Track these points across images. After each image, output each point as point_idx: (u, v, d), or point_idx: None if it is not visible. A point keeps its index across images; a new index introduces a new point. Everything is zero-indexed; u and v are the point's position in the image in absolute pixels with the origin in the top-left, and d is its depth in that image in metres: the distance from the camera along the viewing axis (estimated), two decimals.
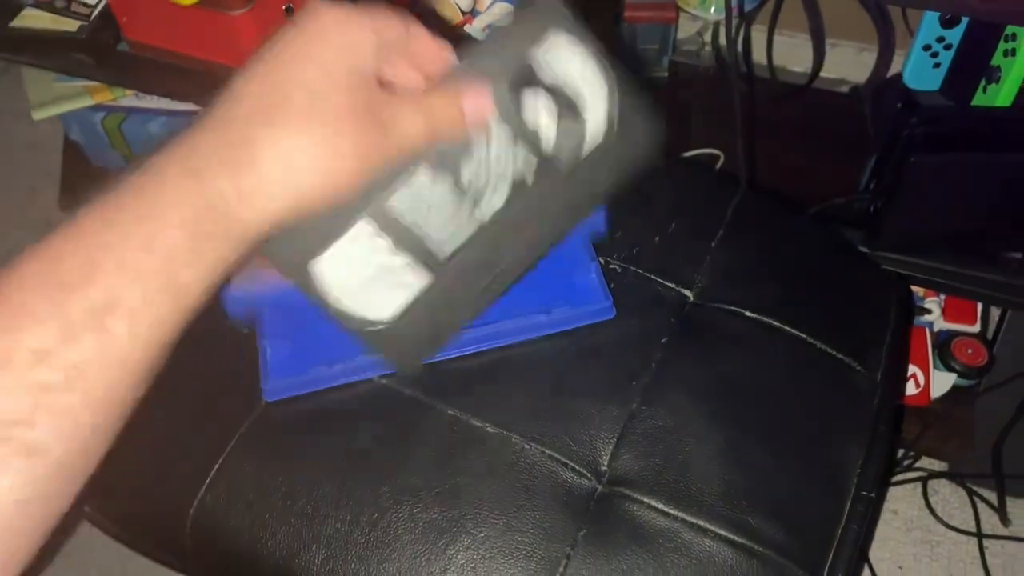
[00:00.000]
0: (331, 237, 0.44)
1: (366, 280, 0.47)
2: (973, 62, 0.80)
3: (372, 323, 0.48)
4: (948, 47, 0.81)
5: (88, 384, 0.31)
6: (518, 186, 0.48)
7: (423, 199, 0.45)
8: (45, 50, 1.07)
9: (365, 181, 0.38)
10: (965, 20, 0.79)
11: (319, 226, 0.44)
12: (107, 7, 1.03)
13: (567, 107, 0.47)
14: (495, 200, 0.48)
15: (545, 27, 0.46)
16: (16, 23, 1.04)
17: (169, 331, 0.34)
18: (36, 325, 0.31)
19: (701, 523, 0.55)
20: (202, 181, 0.34)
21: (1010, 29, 0.75)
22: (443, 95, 0.42)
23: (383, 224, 0.45)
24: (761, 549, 0.55)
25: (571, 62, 0.47)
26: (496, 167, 0.46)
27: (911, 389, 1.00)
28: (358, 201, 0.44)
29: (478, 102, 0.43)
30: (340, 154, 0.36)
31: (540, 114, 0.47)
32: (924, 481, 1.09)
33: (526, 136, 0.47)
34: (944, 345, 1.02)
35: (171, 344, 0.35)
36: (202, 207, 0.34)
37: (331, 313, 0.47)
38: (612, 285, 0.63)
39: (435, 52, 0.42)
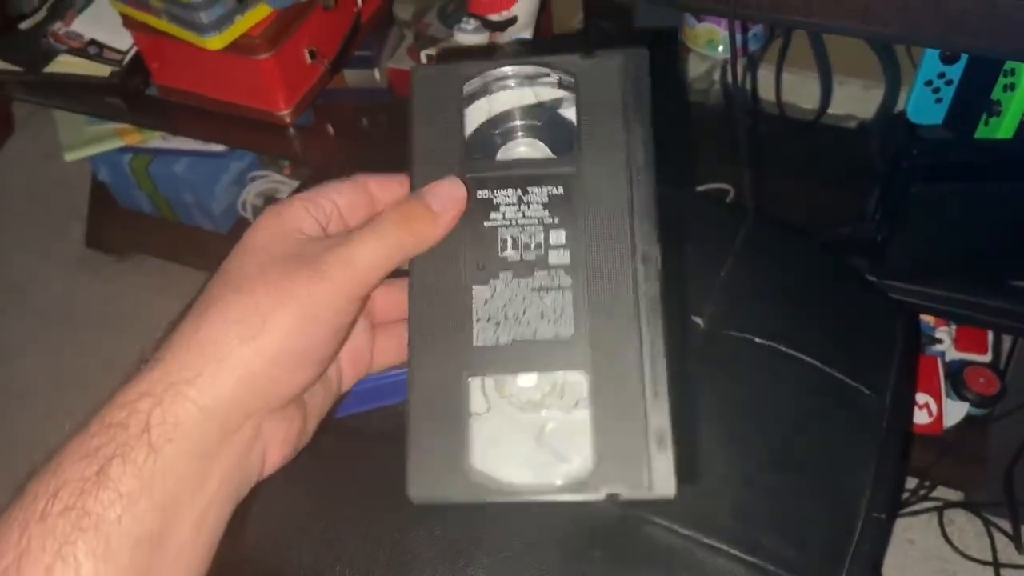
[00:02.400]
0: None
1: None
2: (974, 96, 0.82)
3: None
4: (949, 83, 0.84)
5: None
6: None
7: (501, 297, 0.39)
8: (78, 94, 1.12)
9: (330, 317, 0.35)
10: (965, 56, 0.81)
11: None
12: (138, 54, 1.07)
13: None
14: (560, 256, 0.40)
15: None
16: (50, 68, 1.09)
17: (129, 546, 0.31)
18: None
19: (714, 543, 0.57)
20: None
21: (1009, 64, 0.78)
22: (395, 206, 0.38)
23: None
24: (773, 568, 0.56)
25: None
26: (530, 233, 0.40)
27: (924, 418, 1.01)
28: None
29: (439, 186, 0.39)
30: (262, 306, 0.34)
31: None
32: (940, 511, 1.09)
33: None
34: (956, 374, 1.03)
35: (159, 541, 0.32)
36: (103, 428, 0.32)
37: None
38: None
39: (392, 188, 0.40)
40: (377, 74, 1.16)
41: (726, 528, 0.57)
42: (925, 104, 0.86)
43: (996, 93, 0.80)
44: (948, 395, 1.02)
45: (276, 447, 0.37)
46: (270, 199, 1.33)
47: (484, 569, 0.56)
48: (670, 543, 0.57)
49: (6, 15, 1.17)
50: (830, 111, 1.16)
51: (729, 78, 1.12)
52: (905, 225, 0.79)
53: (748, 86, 1.13)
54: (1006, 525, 1.06)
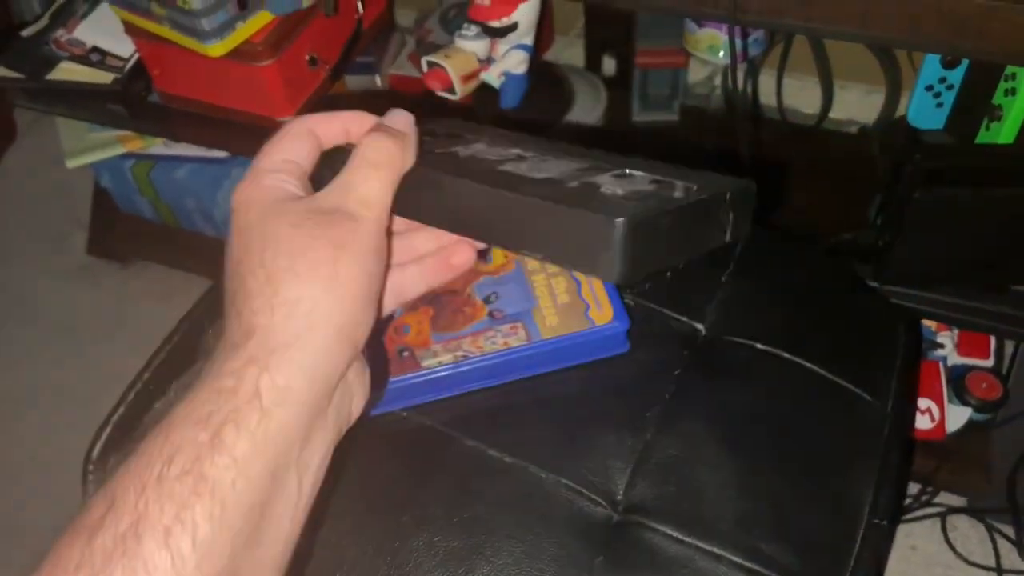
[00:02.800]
0: None
1: None
2: (975, 101, 0.82)
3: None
4: (950, 87, 0.84)
5: None
6: None
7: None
8: (80, 101, 1.12)
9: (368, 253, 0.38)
10: (965, 61, 0.82)
11: None
12: (139, 60, 1.07)
13: None
14: None
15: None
16: (52, 75, 1.09)
17: (243, 509, 0.32)
18: None
19: (715, 550, 0.57)
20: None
21: (1010, 69, 0.78)
22: (370, 139, 0.41)
23: None
24: (774, 575, 0.56)
25: None
26: None
27: (926, 424, 1.01)
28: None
29: (391, 117, 0.43)
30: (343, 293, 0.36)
31: None
32: (943, 517, 1.08)
33: None
34: (958, 379, 1.03)
35: (270, 502, 0.34)
36: (213, 395, 0.34)
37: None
38: None
39: (355, 120, 0.43)
40: (379, 80, 1.16)
41: (727, 535, 0.57)
42: (926, 109, 0.86)
43: (997, 98, 0.80)
44: (950, 400, 1.02)
45: (360, 395, 0.40)
46: None
47: None
48: (670, 550, 0.57)
49: (8, 22, 1.18)
50: (831, 116, 1.16)
51: (730, 83, 1.12)
52: (907, 230, 0.79)
53: (749, 91, 1.13)
54: (1009, 531, 1.06)
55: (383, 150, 0.40)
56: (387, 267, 0.40)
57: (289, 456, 0.34)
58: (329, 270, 0.35)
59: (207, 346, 0.36)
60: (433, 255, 0.48)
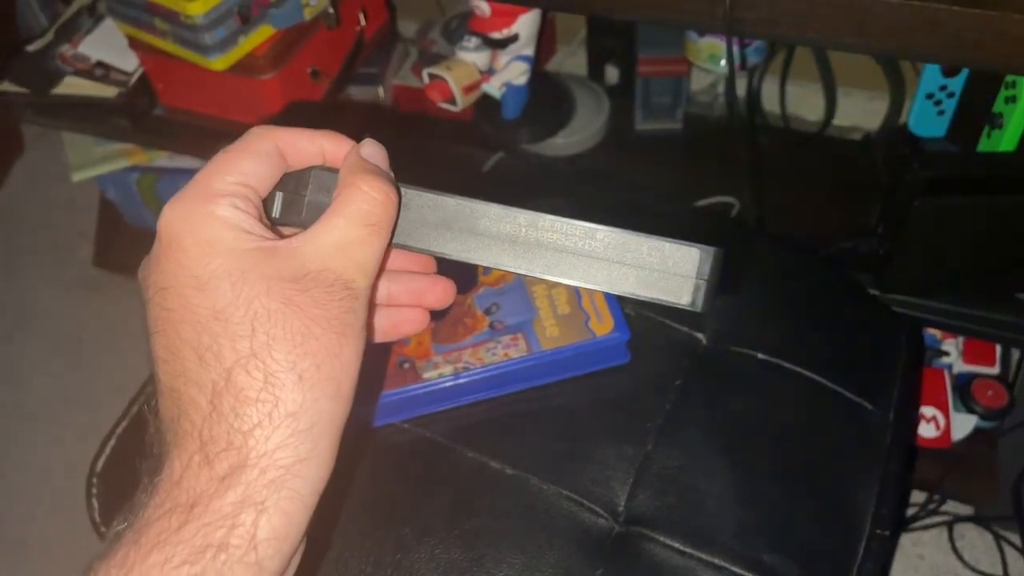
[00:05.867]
0: None
1: None
2: (976, 109, 0.82)
3: None
4: (951, 95, 0.84)
5: None
6: None
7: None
8: (85, 115, 1.13)
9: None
10: (966, 69, 0.82)
11: None
12: (144, 75, 1.08)
13: None
14: None
15: None
16: (58, 90, 1.10)
17: None
18: None
19: (716, 561, 0.56)
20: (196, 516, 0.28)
21: (1010, 77, 0.78)
22: (354, 188, 0.33)
23: None
24: None
25: None
26: None
27: (931, 432, 1.00)
28: None
29: (363, 147, 0.36)
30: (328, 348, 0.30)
31: None
32: (950, 525, 1.08)
33: None
34: (964, 387, 1.02)
35: None
36: (197, 552, 0.28)
37: None
38: None
39: (332, 142, 0.36)
40: (381, 91, 1.16)
41: (728, 546, 0.57)
42: (927, 117, 0.86)
43: (998, 106, 0.80)
44: (956, 408, 1.02)
45: None
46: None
47: None
48: (672, 561, 0.57)
49: (14, 37, 1.19)
50: (835, 123, 1.16)
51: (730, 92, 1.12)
52: (908, 239, 0.78)
53: (751, 99, 1.13)
54: (1016, 539, 1.05)
55: (382, 204, 0.33)
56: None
57: None
58: (334, 365, 0.30)
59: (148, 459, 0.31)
60: (405, 300, 0.40)
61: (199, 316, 0.29)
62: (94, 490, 0.66)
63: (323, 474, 0.30)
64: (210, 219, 0.31)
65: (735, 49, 1.01)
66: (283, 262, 0.30)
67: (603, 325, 0.63)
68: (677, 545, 0.57)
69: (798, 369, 0.66)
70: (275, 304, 0.29)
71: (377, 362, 0.62)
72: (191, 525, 0.27)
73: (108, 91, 1.09)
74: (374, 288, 0.34)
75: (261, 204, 0.34)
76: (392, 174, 0.36)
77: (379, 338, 0.39)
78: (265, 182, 0.34)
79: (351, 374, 0.31)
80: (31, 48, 1.13)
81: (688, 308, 0.38)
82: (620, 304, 0.65)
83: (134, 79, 1.09)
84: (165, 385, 0.30)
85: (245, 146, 0.34)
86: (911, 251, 0.79)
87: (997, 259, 0.81)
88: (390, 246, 0.35)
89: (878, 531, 0.59)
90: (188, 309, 0.30)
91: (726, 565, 0.56)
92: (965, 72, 0.82)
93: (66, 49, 1.11)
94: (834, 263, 0.88)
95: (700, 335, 0.68)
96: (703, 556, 0.57)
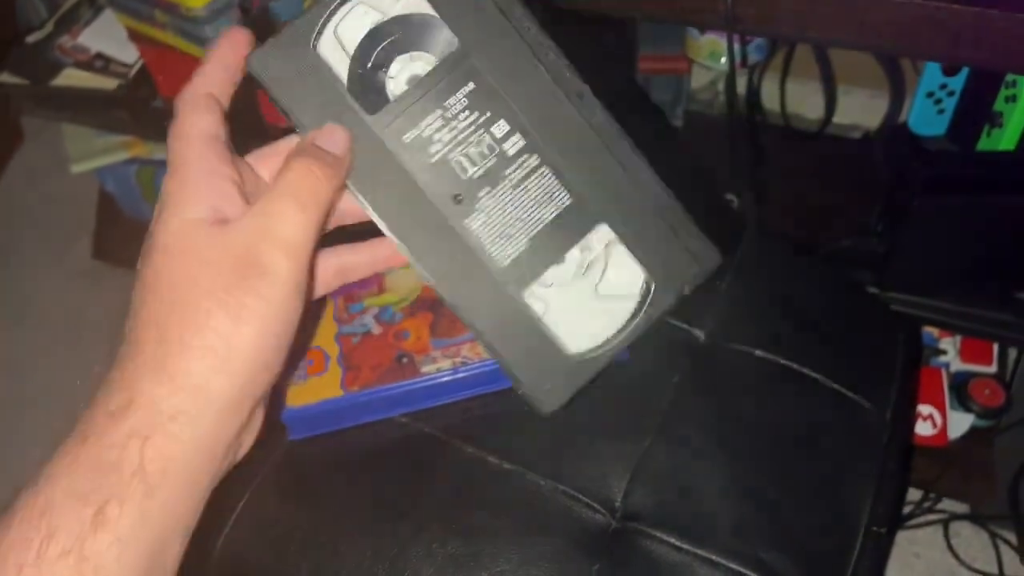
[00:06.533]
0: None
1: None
2: (976, 108, 0.82)
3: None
4: (951, 94, 0.84)
5: None
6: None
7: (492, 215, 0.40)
8: (84, 107, 1.12)
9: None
10: (966, 67, 0.81)
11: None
12: (144, 67, 1.08)
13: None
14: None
15: None
16: (57, 82, 1.10)
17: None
18: None
19: (713, 557, 0.57)
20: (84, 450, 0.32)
21: (1010, 76, 0.78)
22: (292, 166, 0.36)
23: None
24: None
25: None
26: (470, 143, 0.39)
27: (928, 430, 1.01)
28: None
29: (331, 133, 0.37)
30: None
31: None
32: (946, 523, 1.08)
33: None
34: (961, 386, 1.02)
35: (153, 569, 0.32)
36: (95, 468, 0.32)
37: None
38: None
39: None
40: None
41: (725, 543, 0.57)
42: (927, 115, 0.86)
43: (998, 104, 0.80)
44: (953, 406, 1.02)
45: (250, 436, 0.37)
46: None
47: None
48: (668, 557, 0.57)
49: (14, 29, 1.18)
50: (835, 121, 1.16)
51: (730, 90, 1.12)
52: (907, 237, 0.79)
53: (751, 97, 1.13)
54: (1012, 537, 1.06)
55: (311, 182, 0.35)
56: (306, 312, 0.36)
57: (174, 527, 0.33)
58: (223, 346, 0.33)
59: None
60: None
61: (140, 277, 0.35)
62: None
63: (207, 430, 0.33)
64: (182, 185, 0.35)
65: (736, 47, 1.01)
66: (213, 240, 0.34)
67: None
68: (674, 541, 0.57)
69: (796, 367, 0.66)
70: (184, 282, 0.33)
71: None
72: (92, 447, 0.32)
73: (108, 83, 1.09)
74: (313, 263, 0.36)
75: (229, 148, 0.36)
76: (342, 156, 0.37)
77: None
78: (222, 126, 0.37)
79: (244, 352, 0.33)
80: (30, 39, 1.13)
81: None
82: None
83: (134, 71, 1.08)
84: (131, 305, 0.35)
85: (186, 105, 0.37)
86: (911, 249, 0.80)
87: (996, 258, 0.81)
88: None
89: (875, 528, 0.59)
90: (139, 270, 0.35)
91: (723, 561, 0.56)
92: (965, 71, 0.82)
93: (66, 40, 1.11)
94: (833, 261, 0.88)
95: (698, 332, 0.68)
96: (700, 552, 0.57)
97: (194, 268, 0.33)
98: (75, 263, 1.51)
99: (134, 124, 1.13)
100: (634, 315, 0.40)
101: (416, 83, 0.39)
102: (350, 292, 0.67)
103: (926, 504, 1.08)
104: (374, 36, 0.39)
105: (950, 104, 0.85)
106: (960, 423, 1.02)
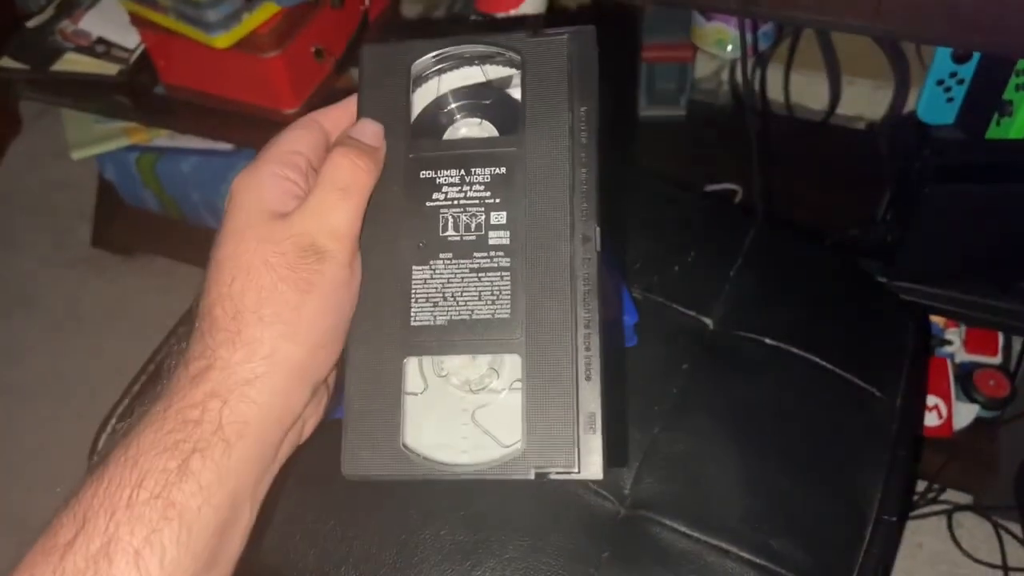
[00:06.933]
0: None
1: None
2: (986, 96, 0.81)
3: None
4: (961, 82, 0.83)
5: None
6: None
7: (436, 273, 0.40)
8: (85, 93, 1.11)
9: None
10: (977, 56, 0.81)
11: None
12: (145, 52, 1.07)
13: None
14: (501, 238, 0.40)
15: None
16: (57, 67, 1.09)
17: (206, 534, 0.34)
18: None
19: (723, 545, 0.56)
20: (174, 409, 0.35)
21: (1021, 64, 0.77)
22: (336, 159, 0.39)
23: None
24: (783, 571, 0.56)
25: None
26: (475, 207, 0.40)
27: (933, 420, 1.00)
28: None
29: (357, 129, 0.41)
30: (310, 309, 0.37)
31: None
32: (949, 514, 1.08)
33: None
34: (966, 376, 1.02)
35: (228, 528, 0.35)
36: (179, 425, 0.35)
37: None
38: None
39: (339, 117, 0.42)
40: None
41: (735, 530, 0.57)
42: (936, 104, 0.85)
43: (1008, 93, 0.79)
44: (958, 397, 1.02)
45: (313, 419, 0.40)
46: None
47: (491, 571, 0.55)
48: (679, 545, 0.56)
49: (14, 13, 1.17)
50: (839, 111, 1.16)
51: (739, 77, 1.12)
52: (916, 226, 0.78)
53: (760, 85, 1.12)
54: (1016, 528, 1.05)
55: (349, 170, 0.39)
56: (357, 275, 0.39)
57: (247, 486, 0.36)
58: (292, 315, 0.36)
59: (169, 366, 0.36)
60: None
61: (215, 258, 0.38)
62: None
63: (278, 398, 0.36)
64: (249, 184, 0.39)
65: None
66: (276, 228, 0.38)
67: None
68: (683, 529, 0.57)
69: (806, 355, 0.65)
70: (256, 261, 0.37)
71: None
72: (175, 406, 0.35)
73: (109, 68, 1.08)
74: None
75: (308, 165, 0.40)
76: (378, 147, 0.41)
77: None
78: (310, 148, 0.41)
79: (311, 326, 0.37)
80: (31, 24, 1.12)
81: None
82: (628, 287, 0.65)
83: (135, 56, 1.07)
84: (203, 296, 0.38)
85: (291, 125, 0.42)
86: (920, 239, 0.79)
87: (1006, 247, 0.80)
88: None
89: (884, 517, 0.59)
90: (220, 241, 0.38)
91: (732, 549, 0.56)
92: (976, 58, 0.81)
93: (66, 25, 1.10)
94: (840, 250, 0.87)
95: (707, 320, 0.68)
96: (709, 540, 0.57)
97: (263, 250, 0.37)
98: (74, 251, 1.50)
99: (135, 110, 1.12)
100: (483, 461, 0.37)
101: (465, 142, 0.41)
102: None
103: (930, 495, 1.08)
104: (465, 93, 0.42)
105: (959, 92, 0.84)
106: (965, 414, 1.02)
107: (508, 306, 0.38)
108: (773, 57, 1.13)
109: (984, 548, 1.06)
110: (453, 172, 0.40)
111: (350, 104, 0.43)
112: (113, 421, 0.67)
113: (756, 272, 0.70)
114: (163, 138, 1.30)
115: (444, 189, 0.40)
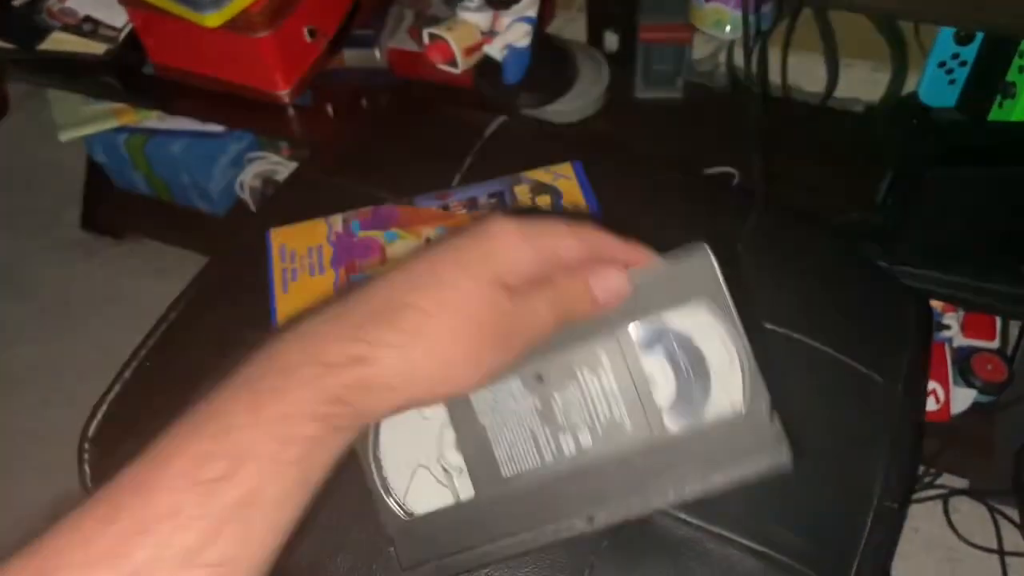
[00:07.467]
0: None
1: (416, 465, 0.44)
2: (988, 78, 0.80)
3: (400, 510, 0.44)
4: (963, 64, 0.82)
5: None
6: (611, 429, 0.42)
7: (507, 407, 0.42)
8: (72, 73, 1.10)
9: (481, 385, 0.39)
10: (979, 36, 0.80)
11: None
12: (133, 31, 1.05)
13: (693, 370, 0.43)
14: (582, 438, 0.42)
15: (690, 294, 0.43)
16: (44, 46, 1.07)
17: (300, 513, 0.35)
18: (184, 527, 0.32)
19: (723, 532, 0.56)
20: (330, 375, 0.35)
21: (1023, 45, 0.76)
22: (570, 275, 0.40)
23: (456, 416, 0.42)
24: (784, 559, 0.55)
25: (708, 334, 0.44)
26: (594, 402, 0.42)
27: (931, 405, 1.00)
28: None
29: (608, 278, 0.41)
30: (459, 367, 0.37)
31: (660, 365, 0.42)
32: (945, 498, 1.08)
33: (637, 382, 0.42)
34: (964, 361, 1.02)
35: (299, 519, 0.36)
36: (333, 401, 0.35)
37: (372, 482, 0.44)
38: None
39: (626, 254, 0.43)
40: (377, 54, 1.14)
41: (736, 517, 0.56)
42: (938, 86, 0.84)
43: (1011, 74, 0.79)
44: (955, 382, 1.01)
45: None
46: (268, 180, 1.31)
47: None
48: (679, 532, 0.56)
49: None
50: (836, 94, 1.15)
51: (737, 59, 1.11)
52: (917, 210, 0.77)
53: (760, 66, 1.11)
54: (1012, 513, 1.06)
55: (573, 304, 0.40)
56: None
57: (329, 462, 0.36)
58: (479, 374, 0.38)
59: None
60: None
61: (421, 262, 0.39)
62: (86, 456, 0.65)
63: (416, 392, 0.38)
64: (497, 251, 0.39)
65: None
66: (493, 301, 0.38)
67: None
68: (683, 516, 0.57)
69: (807, 340, 0.64)
70: (464, 322, 0.37)
71: None
72: (315, 371, 0.35)
73: (96, 47, 1.06)
74: None
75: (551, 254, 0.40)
76: (604, 303, 0.42)
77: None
78: (569, 251, 0.41)
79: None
80: (17, 2, 1.10)
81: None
82: None
83: (123, 35, 1.06)
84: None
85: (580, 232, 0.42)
86: (920, 222, 0.78)
87: (1007, 231, 0.80)
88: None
89: (886, 503, 0.59)
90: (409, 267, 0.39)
91: (734, 536, 0.56)
92: (978, 40, 0.80)
93: (53, 3, 1.08)
94: (840, 234, 0.87)
95: None
96: (710, 527, 0.56)
97: (480, 319, 0.37)
98: (64, 233, 1.49)
99: (123, 91, 1.11)
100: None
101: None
102: (352, 263, 0.66)
103: (926, 479, 1.08)
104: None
105: (961, 74, 0.83)
106: (962, 398, 1.01)
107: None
108: (770, 40, 1.12)
109: (980, 533, 1.06)
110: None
111: (637, 251, 0.44)
112: (104, 407, 0.66)
113: (757, 257, 0.69)
114: (153, 119, 1.28)
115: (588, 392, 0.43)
